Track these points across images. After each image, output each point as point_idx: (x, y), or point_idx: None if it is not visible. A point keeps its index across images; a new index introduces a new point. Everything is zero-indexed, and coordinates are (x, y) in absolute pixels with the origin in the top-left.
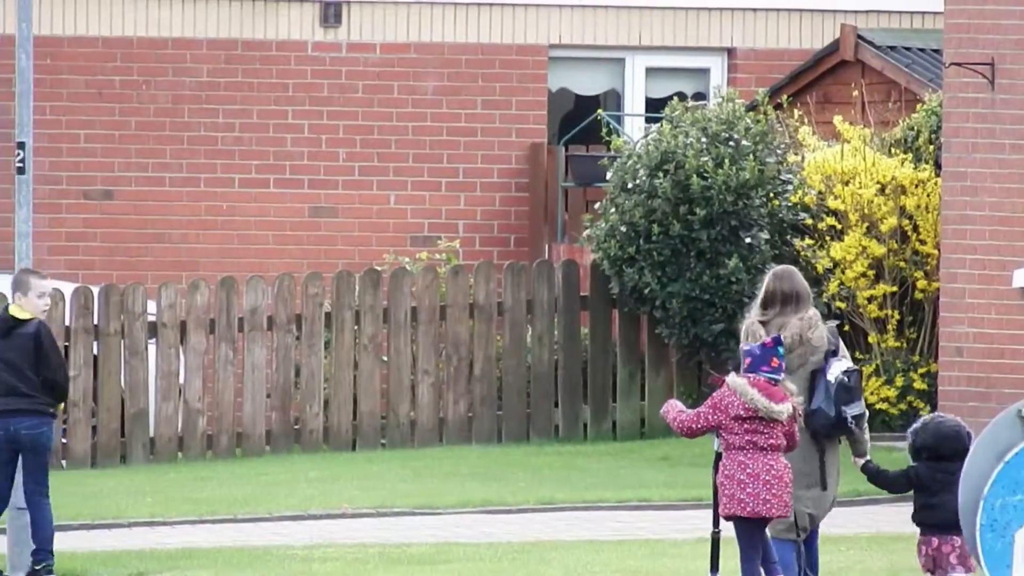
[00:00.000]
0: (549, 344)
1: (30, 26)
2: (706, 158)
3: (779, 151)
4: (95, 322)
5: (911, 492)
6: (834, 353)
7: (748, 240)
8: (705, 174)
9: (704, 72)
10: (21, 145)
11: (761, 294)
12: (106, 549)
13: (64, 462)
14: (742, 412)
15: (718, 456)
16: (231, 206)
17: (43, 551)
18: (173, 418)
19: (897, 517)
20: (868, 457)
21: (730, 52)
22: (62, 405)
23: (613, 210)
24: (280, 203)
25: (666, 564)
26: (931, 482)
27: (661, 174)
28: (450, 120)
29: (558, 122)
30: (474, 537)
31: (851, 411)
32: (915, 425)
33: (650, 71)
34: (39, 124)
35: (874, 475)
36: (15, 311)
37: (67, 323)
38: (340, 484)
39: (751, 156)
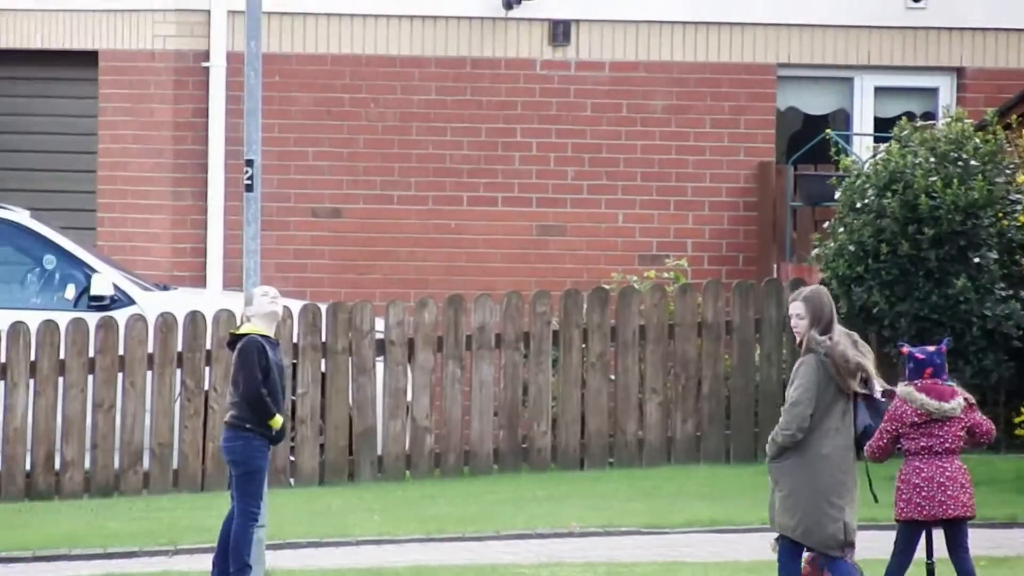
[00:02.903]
0: (777, 363)
1: (259, 44)
2: (935, 178)
3: (1008, 171)
4: (323, 340)
5: None
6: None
7: (976, 260)
8: (934, 194)
9: (933, 92)
10: (250, 163)
11: (825, 316)
12: (334, 567)
13: (292, 480)
14: (916, 418)
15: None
16: (459, 224)
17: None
18: (401, 436)
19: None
20: None
21: (959, 72)
22: (275, 422)
23: (842, 229)
24: (508, 221)
25: None
26: None
27: (889, 194)
28: (678, 139)
29: (786, 141)
30: (702, 556)
31: None
32: None
33: (879, 90)
34: (268, 142)
35: None
36: (241, 329)
37: (295, 340)
38: (568, 503)
39: (980, 176)
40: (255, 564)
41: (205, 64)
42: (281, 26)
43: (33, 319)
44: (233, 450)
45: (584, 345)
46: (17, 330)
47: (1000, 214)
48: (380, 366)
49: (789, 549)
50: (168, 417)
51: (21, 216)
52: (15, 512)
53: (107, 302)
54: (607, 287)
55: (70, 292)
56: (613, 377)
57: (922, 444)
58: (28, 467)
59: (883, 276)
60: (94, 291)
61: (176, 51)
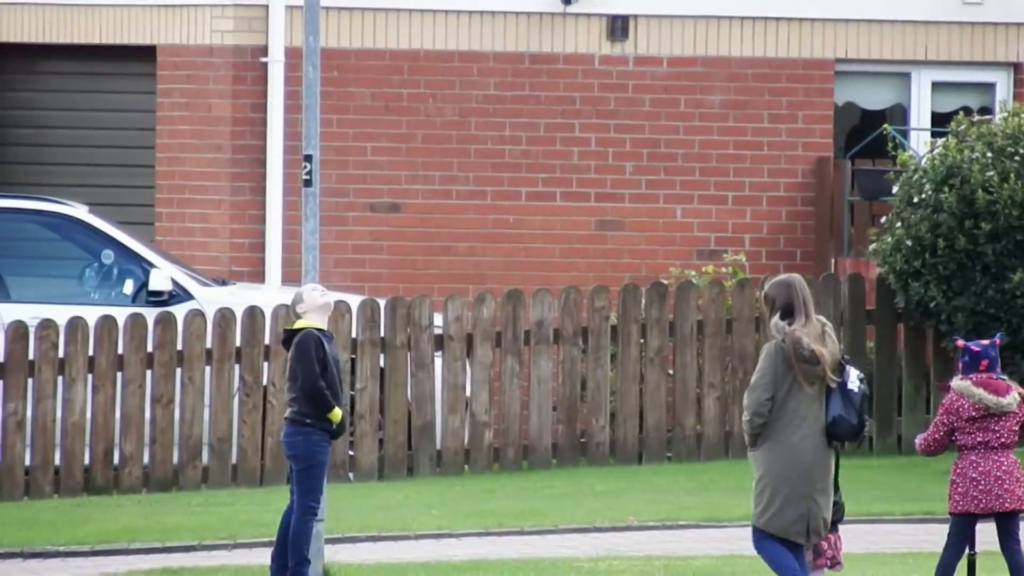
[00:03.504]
0: None
1: (317, 39)
2: (991, 172)
3: None
4: (382, 335)
5: None
6: (848, 361)
7: None
8: (991, 188)
9: (990, 87)
10: (308, 158)
11: (782, 303)
12: (392, 561)
13: (351, 474)
14: (973, 413)
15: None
16: (518, 219)
17: (293, 570)
18: (460, 431)
19: None
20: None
21: (1016, 67)
22: (335, 415)
23: (899, 224)
24: (567, 216)
25: None
26: None
27: (947, 188)
28: (736, 134)
29: (844, 136)
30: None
31: (869, 417)
32: None
33: (936, 85)
34: (326, 137)
35: None
36: (296, 325)
37: (353, 335)
38: (626, 497)
39: None
40: (314, 558)
41: (263, 59)
42: (339, 21)
43: (92, 314)
44: (294, 445)
45: (642, 340)
46: (76, 325)
47: None
48: (439, 361)
49: (780, 550)
50: (227, 412)
51: (80, 211)
52: (74, 507)
53: (165, 297)
54: (665, 282)
55: (128, 287)
56: (671, 372)
57: (978, 439)
58: (87, 462)
59: (940, 271)
60: (152, 286)
61: (234, 46)
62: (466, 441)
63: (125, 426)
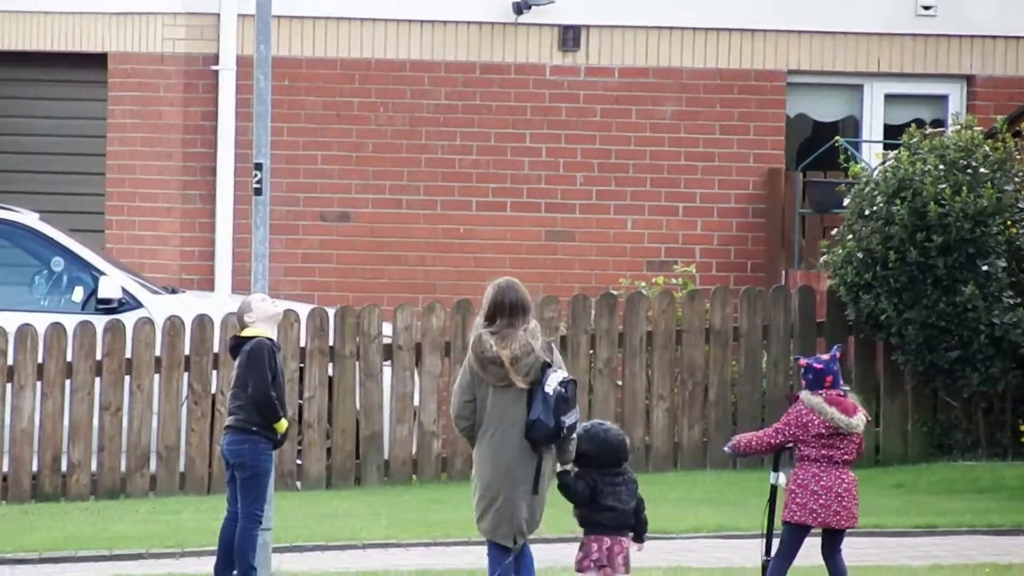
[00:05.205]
0: (784, 369)
1: (268, 47)
2: (944, 185)
3: (1017, 179)
4: (330, 344)
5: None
6: (548, 365)
7: (985, 268)
8: (943, 201)
9: (943, 99)
10: (259, 166)
11: (486, 306)
12: (339, 570)
13: (299, 483)
14: (823, 430)
15: (773, 490)
16: (468, 229)
17: None
18: (408, 440)
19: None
20: (569, 466)
21: (969, 79)
22: (281, 426)
23: (850, 236)
24: (517, 226)
25: None
26: (605, 486)
27: (898, 201)
28: (688, 145)
29: (796, 148)
30: (707, 562)
31: (568, 420)
32: (579, 431)
33: (889, 97)
34: (277, 145)
35: (565, 486)
36: (245, 332)
37: (302, 344)
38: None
39: (989, 184)
40: (260, 567)
41: (215, 67)
42: (291, 30)
43: (41, 321)
44: (240, 453)
45: (592, 351)
46: (24, 332)
47: (1009, 222)
48: (388, 371)
49: (495, 552)
50: (175, 420)
51: (30, 218)
52: (21, 514)
53: (115, 305)
54: (615, 293)
55: (78, 295)
56: (620, 383)
57: (822, 453)
58: (35, 469)
59: (891, 283)
60: (102, 294)
61: (186, 54)
62: (414, 451)
63: (73, 433)
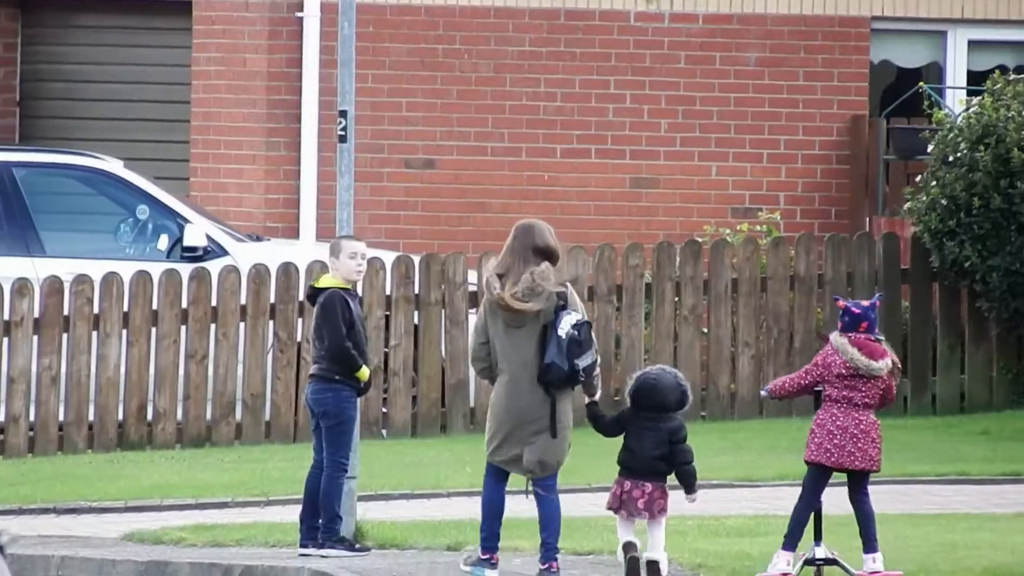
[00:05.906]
0: None
1: None
2: None
3: None
4: (416, 292)
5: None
6: (563, 307)
7: None
8: None
9: None
10: (343, 114)
11: (505, 247)
12: (425, 518)
13: (384, 432)
14: (843, 371)
15: None
16: (552, 176)
17: (325, 527)
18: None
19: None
20: (596, 399)
21: None
22: (363, 374)
23: (934, 183)
24: (601, 174)
25: (984, 538)
26: (633, 428)
27: (982, 147)
28: (772, 92)
29: (879, 95)
30: (791, 510)
31: (582, 363)
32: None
33: (972, 44)
34: (361, 93)
35: (593, 418)
36: (321, 282)
37: (387, 292)
38: None
39: None
40: (346, 515)
41: (299, 14)
42: None
43: (127, 270)
44: (323, 401)
45: (676, 298)
46: (111, 281)
47: None
48: (472, 318)
49: (492, 473)
50: (260, 368)
51: (114, 166)
52: (107, 462)
53: (200, 253)
54: (700, 240)
55: (163, 243)
56: (705, 330)
57: (843, 394)
58: (121, 418)
59: (975, 230)
60: (187, 242)
61: (271, 1)
62: None
63: (159, 382)
